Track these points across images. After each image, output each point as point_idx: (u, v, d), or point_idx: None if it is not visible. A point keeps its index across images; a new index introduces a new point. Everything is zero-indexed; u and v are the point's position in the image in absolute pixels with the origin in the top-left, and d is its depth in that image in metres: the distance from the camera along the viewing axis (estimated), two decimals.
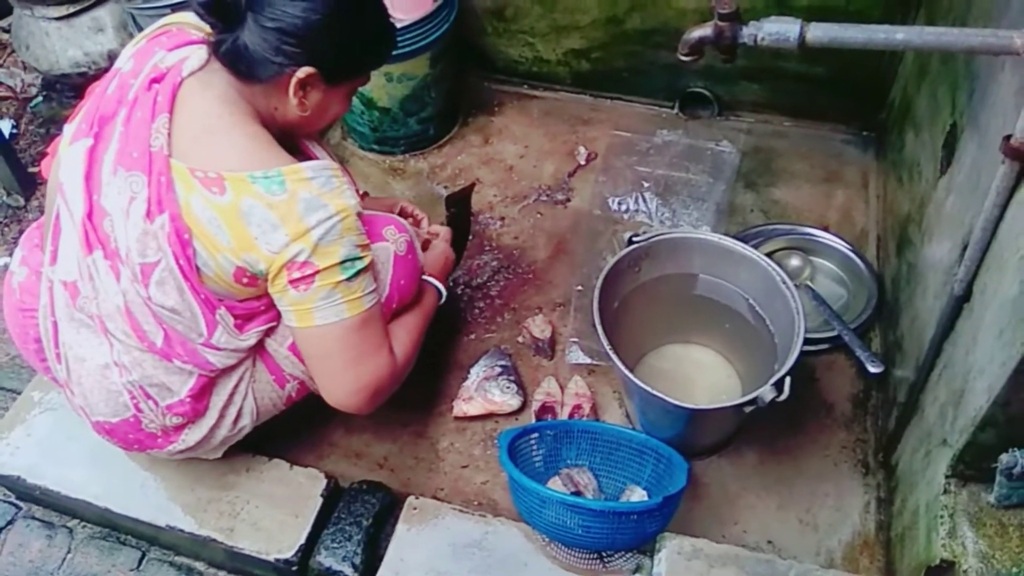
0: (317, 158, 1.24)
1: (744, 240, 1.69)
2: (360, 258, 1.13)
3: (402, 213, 1.48)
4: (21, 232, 1.94)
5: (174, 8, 1.77)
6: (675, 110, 2.05)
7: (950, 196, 1.25)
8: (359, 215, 1.13)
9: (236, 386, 1.26)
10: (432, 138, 2.03)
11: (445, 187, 1.95)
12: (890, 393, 1.45)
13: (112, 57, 2.06)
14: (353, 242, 1.12)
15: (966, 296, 1.06)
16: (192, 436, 1.26)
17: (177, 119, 1.10)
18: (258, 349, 1.26)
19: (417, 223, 1.51)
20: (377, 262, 1.22)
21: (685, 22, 1.87)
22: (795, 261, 1.70)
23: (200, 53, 1.14)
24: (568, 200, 1.91)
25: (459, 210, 1.57)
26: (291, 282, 1.10)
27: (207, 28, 1.11)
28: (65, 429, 1.45)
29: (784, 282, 1.34)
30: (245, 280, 1.13)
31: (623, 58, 2.01)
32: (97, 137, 1.14)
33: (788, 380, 1.21)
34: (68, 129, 1.20)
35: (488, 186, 1.94)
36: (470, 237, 1.70)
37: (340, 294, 1.12)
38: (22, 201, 1.99)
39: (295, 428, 1.50)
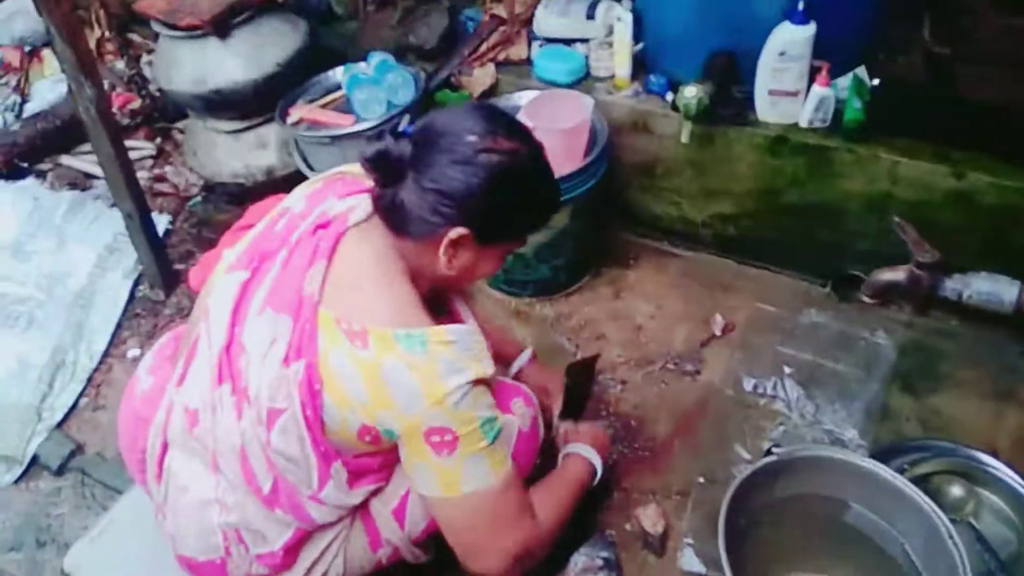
0: (463, 320, 1.22)
1: (898, 453, 1.51)
2: (496, 419, 1.09)
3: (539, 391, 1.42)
4: (155, 327, 2.00)
5: (333, 139, 1.83)
6: (827, 289, 1.90)
7: None
8: (493, 382, 1.10)
9: (329, 544, 1.20)
10: (562, 284, 1.97)
11: (568, 339, 1.86)
12: None
13: (271, 172, 2.16)
14: (487, 404, 1.08)
15: None
16: None
17: (334, 268, 1.10)
18: (359, 509, 1.20)
19: (547, 407, 1.45)
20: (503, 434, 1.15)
21: (849, 203, 1.76)
22: (957, 490, 1.47)
23: (366, 204, 1.14)
24: (698, 372, 1.78)
25: (579, 380, 1.47)
26: (433, 447, 1.06)
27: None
28: (151, 554, 1.39)
29: (952, 537, 1.14)
30: (368, 438, 1.09)
31: (774, 229, 1.89)
32: (255, 272, 1.15)
33: None
34: (228, 256, 1.21)
35: (613, 344, 1.84)
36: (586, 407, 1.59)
37: (487, 459, 1.08)
38: (162, 296, 2.06)
39: None
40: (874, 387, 1.68)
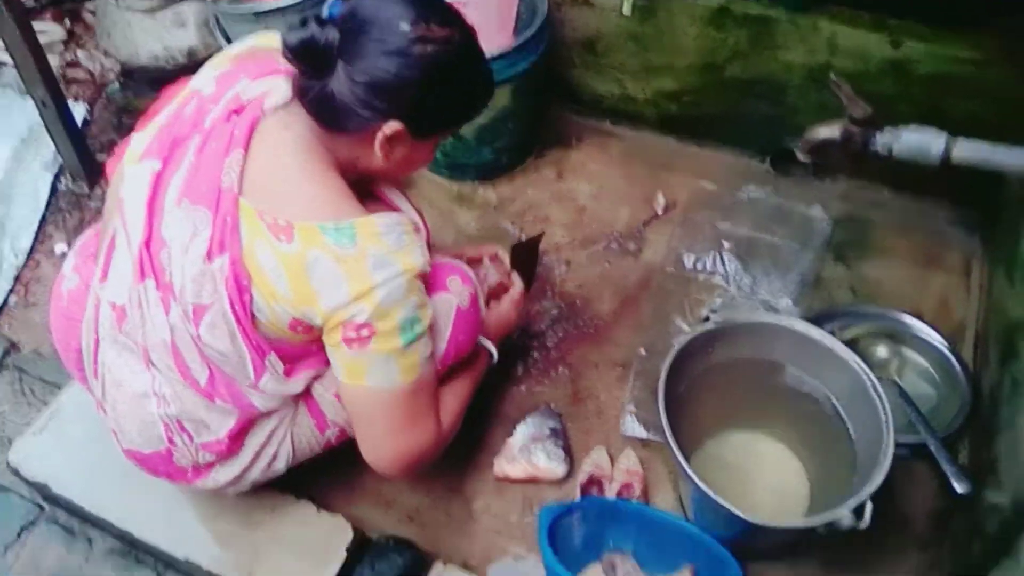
0: (395, 207, 1.18)
1: (830, 319, 1.58)
2: (419, 321, 1.06)
3: (468, 261, 1.39)
4: (82, 221, 1.93)
5: (257, 15, 1.72)
6: (765, 165, 1.92)
7: None
8: (426, 274, 1.07)
9: (275, 428, 1.21)
10: (504, 167, 1.94)
11: (512, 222, 1.86)
12: (977, 519, 1.30)
13: (192, 54, 2.03)
14: (415, 303, 1.05)
15: None
16: (222, 475, 1.21)
17: (252, 157, 1.04)
18: (303, 393, 1.20)
19: (477, 260, 1.44)
20: (438, 315, 1.15)
21: (790, 76, 1.75)
22: (883, 351, 1.56)
23: (284, 88, 1.07)
24: (640, 251, 1.80)
25: (525, 260, 1.47)
26: (346, 340, 1.03)
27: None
28: (97, 443, 1.40)
29: (876, 390, 1.20)
30: (300, 329, 1.07)
31: (716, 105, 1.88)
32: (166, 161, 1.09)
33: (870, 506, 1.08)
34: (137, 141, 1.14)
35: (556, 225, 1.84)
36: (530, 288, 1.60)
37: (395, 360, 1.06)
38: (86, 188, 1.97)
39: (327, 467, 1.42)
40: (808, 258, 1.72)
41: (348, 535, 1.32)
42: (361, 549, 1.33)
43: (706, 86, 1.85)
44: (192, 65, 2.00)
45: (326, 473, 1.43)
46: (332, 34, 0.99)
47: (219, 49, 1.91)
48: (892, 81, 1.64)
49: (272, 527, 1.34)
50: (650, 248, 1.80)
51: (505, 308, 1.38)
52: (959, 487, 1.30)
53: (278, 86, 1.08)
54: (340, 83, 1.01)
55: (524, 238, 1.78)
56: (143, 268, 1.08)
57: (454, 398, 1.23)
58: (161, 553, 1.36)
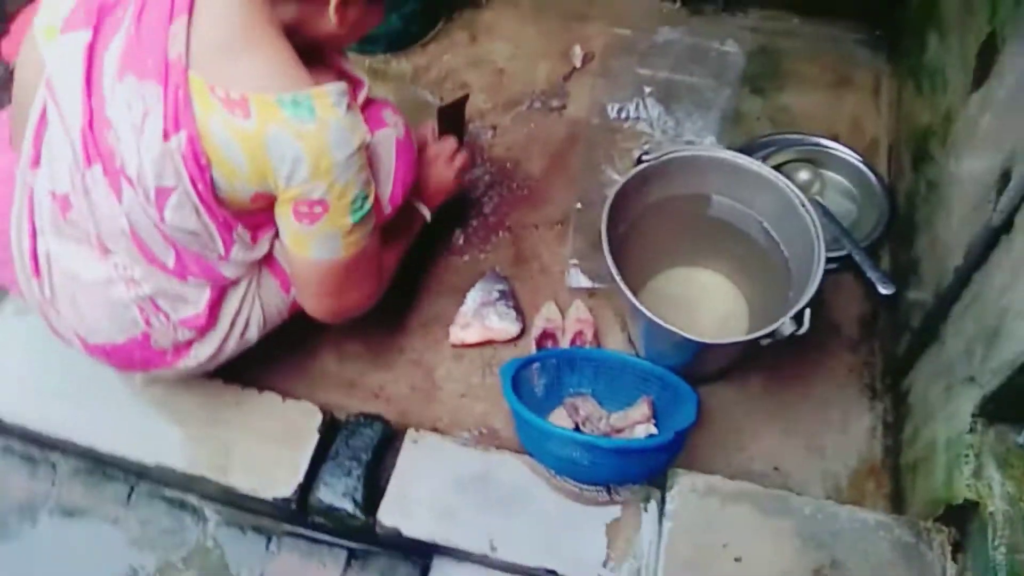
0: (346, 71, 1.15)
1: (751, 151, 1.62)
2: (368, 197, 1.07)
3: None
4: None
5: None
6: (677, 4, 1.90)
7: (986, 114, 1.17)
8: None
9: (245, 295, 1.20)
10: (415, 35, 1.87)
11: (431, 92, 1.81)
12: (901, 316, 1.41)
13: None
14: (364, 179, 1.06)
15: (1006, 228, 1.00)
16: (204, 350, 1.21)
17: (197, 25, 0.97)
18: (264, 256, 1.19)
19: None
20: (382, 152, 1.15)
21: None
22: (804, 174, 1.62)
23: None
24: (564, 107, 1.79)
25: (452, 124, 1.45)
26: (296, 214, 1.03)
27: None
28: (42, 361, 1.37)
29: (804, 205, 1.26)
30: (261, 201, 1.06)
31: None
32: (96, 31, 1.00)
33: (808, 313, 1.16)
34: (49, 12, 1.03)
35: (477, 91, 1.80)
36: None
37: (341, 237, 1.07)
38: None
39: (285, 356, 1.44)
40: (726, 93, 1.75)
41: (317, 417, 1.34)
42: (333, 430, 1.36)
43: None
44: None
45: (285, 363, 1.44)
46: None
47: None
48: None
49: (240, 421, 1.34)
50: (573, 102, 1.79)
51: (440, 167, 1.38)
52: (883, 289, 1.41)
53: None
54: None
55: (444, 104, 1.74)
56: (88, 152, 1.02)
57: (391, 255, 1.28)
58: (130, 464, 1.36)
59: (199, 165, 0.99)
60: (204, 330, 1.18)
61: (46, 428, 1.35)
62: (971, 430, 1.01)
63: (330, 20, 1.04)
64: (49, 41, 1.02)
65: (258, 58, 0.99)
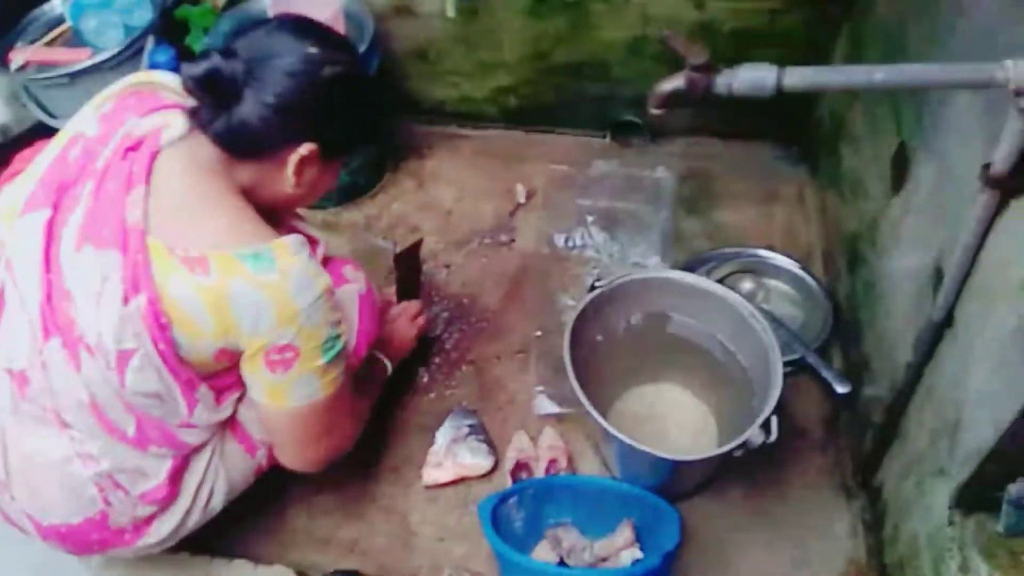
0: (296, 229, 1.18)
1: (694, 267, 1.69)
2: (339, 337, 1.08)
3: None
4: None
5: (72, 77, 1.63)
6: (607, 139, 2.03)
7: (908, 216, 1.26)
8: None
9: (208, 463, 1.18)
10: (363, 188, 1.94)
11: (384, 238, 1.86)
12: (861, 413, 1.45)
13: (6, 131, 1.88)
14: (333, 320, 1.07)
15: (947, 322, 1.06)
16: (165, 526, 1.16)
17: (154, 192, 1.01)
18: (226, 421, 1.17)
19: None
20: (345, 307, 1.18)
21: (613, 53, 1.86)
22: (748, 284, 1.70)
23: (179, 121, 1.05)
24: (512, 240, 1.86)
25: (408, 268, 1.49)
26: (268, 364, 1.03)
27: (185, 96, 1.03)
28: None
29: (753, 315, 1.32)
30: (225, 359, 1.06)
31: (551, 92, 1.97)
32: (56, 208, 1.03)
33: (775, 420, 1.18)
34: (11, 197, 1.07)
35: (428, 233, 1.86)
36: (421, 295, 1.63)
37: (318, 379, 1.07)
38: None
39: (252, 518, 1.39)
40: (664, 216, 1.84)
41: None
42: None
43: (538, 75, 1.94)
44: (9, 143, 1.88)
45: (255, 525, 1.39)
46: (237, 63, 0.99)
47: (36, 122, 1.81)
48: (704, 41, 1.77)
49: None
50: (521, 236, 1.86)
51: (402, 326, 1.42)
52: (840, 388, 1.45)
53: (173, 120, 1.05)
54: (249, 110, 1.00)
55: (400, 250, 1.79)
56: (46, 326, 1.02)
57: (362, 404, 1.30)
58: None
59: (159, 325, 1.00)
60: (166, 503, 1.14)
61: None
62: (951, 523, 1.03)
63: (288, 181, 1.08)
64: (10, 223, 1.05)
65: (219, 218, 1.02)
